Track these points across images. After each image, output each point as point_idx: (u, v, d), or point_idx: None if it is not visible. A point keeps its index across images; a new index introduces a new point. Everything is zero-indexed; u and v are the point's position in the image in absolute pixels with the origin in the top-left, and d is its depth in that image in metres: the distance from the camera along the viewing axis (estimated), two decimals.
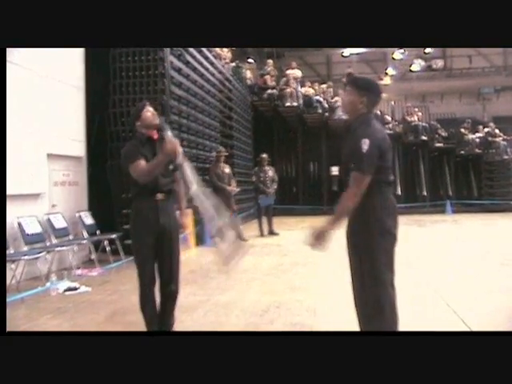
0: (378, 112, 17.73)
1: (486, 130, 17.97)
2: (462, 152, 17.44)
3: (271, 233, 11.03)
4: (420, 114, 17.90)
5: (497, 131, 17.83)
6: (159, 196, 3.68)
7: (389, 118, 17.82)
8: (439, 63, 24.90)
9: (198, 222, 9.42)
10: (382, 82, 23.60)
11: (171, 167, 3.75)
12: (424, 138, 17.13)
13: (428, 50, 22.18)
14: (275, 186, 11.18)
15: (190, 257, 8.33)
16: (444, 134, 17.89)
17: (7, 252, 5.96)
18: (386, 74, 24.42)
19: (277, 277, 6.34)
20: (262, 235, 10.83)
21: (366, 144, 2.82)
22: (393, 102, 18.71)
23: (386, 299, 2.90)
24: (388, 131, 17.45)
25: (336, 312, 4.47)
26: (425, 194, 16.99)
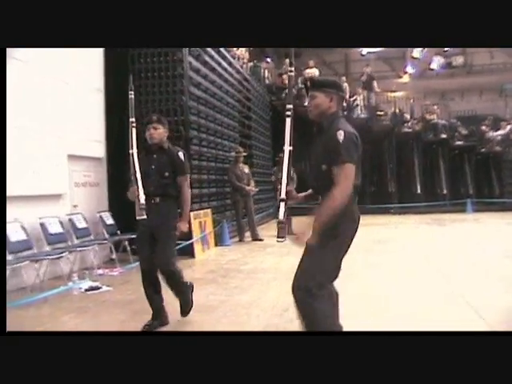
0: (397, 110, 17.66)
1: (509, 126, 17.67)
2: (483, 150, 17.21)
3: (290, 233, 11.00)
4: (438, 111, 17.69)
5: None
6: (155, 199, 4.32)
7: (408, 117, 17.68)
8: (459, 60, 24.52)
9: (218, 222, 9.49)
10: (401, 80, 23.42)
11: (166, 174, 4.33)
12: (444, 136, 16.94)
13: None
14: (294, 186, 11.12)
15: (210, 256, 8.37)
16: (464, 131, 17.66)
17: (31, 252, 6.07)
18: (405, 72, 24.19)
19: None
20: None
21: (341, 135, 2.79)
22: (412, 100, 18.53)
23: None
24: (407, 129, 17.33)
25: (353, 310, 4.46)
26: (445, 192, 16.83)
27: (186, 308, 4.53)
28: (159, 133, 4.39)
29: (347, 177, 2.76)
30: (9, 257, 5.69)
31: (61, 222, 6.87)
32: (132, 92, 4.49)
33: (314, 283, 2.86)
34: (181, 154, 4.39)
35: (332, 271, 2.96)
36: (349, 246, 2.98)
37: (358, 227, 2.96)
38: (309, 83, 3.10)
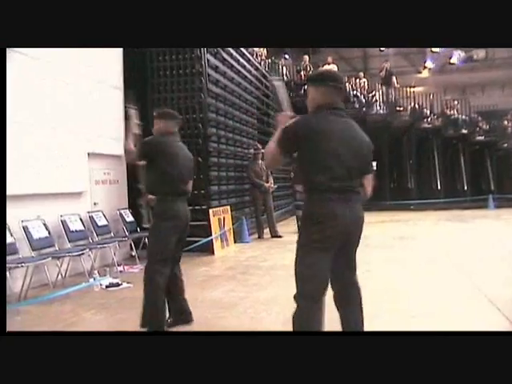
0: (417, 106, 17.49)
1: None
2: (505, 145, 16.95)
3: None
4: (458, 106, 17.48)
5: None
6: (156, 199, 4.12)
7: (427, 112, 17.51)
8: (480, 54, 24.17)
9: (237, 219, 9.50)
10: (421, 76, 23.18)
11: (149, 171, 4.16)
12: (464, 131, 16.74)
13: None
14: None
15: (229, 253, 8.38)
16: (485, 126, 17.42)
17: (53, 249, 6.15)
18: (425, 67, 23.94)
19: None
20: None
21: (290, 122, 2.85)
22: (431, 95, 18.32)
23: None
24: (427, 125, 17.14)
25: (373, 306, 4.43)
26: (465, 188, 16.62)
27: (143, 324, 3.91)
28: (157, 129, 4.32)
29: (268, 151, 3.00)
30: (32, 254, 5.77)
31: (81, 220, 6.94)
32: (131, 107, 4.39)
33: (297, 287, 2.93)
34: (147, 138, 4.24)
35: (312, 274, 2.88)
36: (329, 246, 2.83)
37: (337, 226, 2.74)
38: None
